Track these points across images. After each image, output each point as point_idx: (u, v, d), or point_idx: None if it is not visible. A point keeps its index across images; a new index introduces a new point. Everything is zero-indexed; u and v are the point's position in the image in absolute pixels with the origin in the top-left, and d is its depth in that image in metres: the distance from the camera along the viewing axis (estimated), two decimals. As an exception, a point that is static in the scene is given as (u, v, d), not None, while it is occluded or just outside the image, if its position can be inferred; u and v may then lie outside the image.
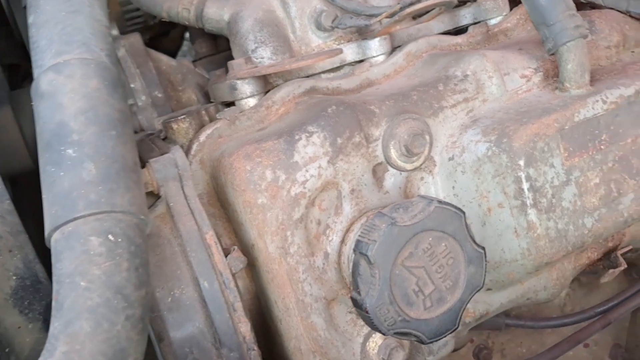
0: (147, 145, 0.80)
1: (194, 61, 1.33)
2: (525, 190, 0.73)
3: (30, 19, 0.73)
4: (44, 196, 0.62)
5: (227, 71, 1.19)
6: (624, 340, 1.37)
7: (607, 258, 0.90)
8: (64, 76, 0.66)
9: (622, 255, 0.91)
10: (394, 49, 0.96)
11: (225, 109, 0.86)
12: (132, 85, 1.16)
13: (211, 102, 1.11)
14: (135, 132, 1.16)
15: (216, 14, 1.02)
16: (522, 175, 0.73)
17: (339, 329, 0.77)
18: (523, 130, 0.74)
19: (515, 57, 0.85)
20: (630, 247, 0.90)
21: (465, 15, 1.04)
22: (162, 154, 0.76)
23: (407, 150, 0.76)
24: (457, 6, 1.09)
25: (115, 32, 1.22)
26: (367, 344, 0.77)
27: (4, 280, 0.83)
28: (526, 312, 1.23)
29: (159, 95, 1.17)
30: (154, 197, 0.71)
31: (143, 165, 0.72)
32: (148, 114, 1.14)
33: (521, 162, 0.73)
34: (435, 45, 0.94)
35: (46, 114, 0.65)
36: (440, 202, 0.67)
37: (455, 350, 1.17)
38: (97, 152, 0.62)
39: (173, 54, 1.73)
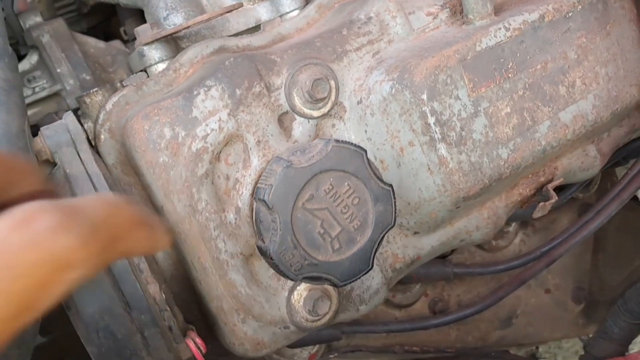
0: (50, 118, 0.79)
1: (126, 42, 1.31)
2: (432, 124, 0.72)
3: None
4: None
5: None
6: (586, 283, 1.36)
7: (539, 193, 0.89)
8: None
9: (556, 190, 0.89)
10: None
11: (132, 75, 0.85)
12: (58, 70, 1.14)
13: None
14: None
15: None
16: (427, 109, 0.72)
17: (262, 284, 0.76)
18: (423, 64, 0.72)
19: (422, -5, 0.83)
20: (561, 180, 0.88)
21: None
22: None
23: (310, 97, 0.74)
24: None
25: (38, 19, 1.20)
26: (292, 296, 0.76)
27: None
28: (480, 261, 1.23)
29: (87, 77, 1.15)
30: (50, 164, 0.70)
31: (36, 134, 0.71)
32: (76, 96, 1.12)
33: (424, 97, 0.72)
34: (352, -5, 0.92)
35: None
36: (338, 141, 0.66)
37: (409, 305, 1.17)
38: (-22, 121, 0.61)
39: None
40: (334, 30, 0.80)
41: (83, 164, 0.67)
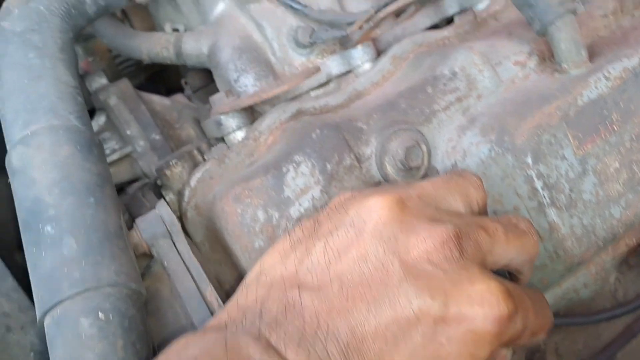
0: (138, 201, 0.78)
1: (189, 95, 1.31)
2: (539, 189, 0.68)
3: None
4: (31, 279, 0.60)
5: None
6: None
7: (645, 240, 0.83)
8: (33, 148, 0.64)
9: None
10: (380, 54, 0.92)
11: (213, 148, 0.83)
12: (127, 132, 1.14)
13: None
14: (137, 180, 1.15)
15: (195, 49, 0.99)
16: (533, 173, 0.68)
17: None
18: (524, 125, 0.68)
19: (505, 44, 0.79)
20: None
21: (451, 5, 0.98)
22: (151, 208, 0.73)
23: (403, 165, 0.71)
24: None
25: (103, 80, 1.21)
26: None
27: (23, 357, 0.82)
28: (577, 305, 1.17)
29: (157, 137, 1.15)
30: (147, 257, 0.68)
31: (132, 226, 0.70)
32: (148, 159, 1.12)
33: (528, 160, 0.68)
34: (421, 43, 0.89)
35: (21, 192, 0.63)
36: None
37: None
38: (76, 224, 0.60)
39: (176, 90, 1.72)
40: (417, 89, 0.77)
41: (181, 256, 0.66)
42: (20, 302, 0.80)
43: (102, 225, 0.61)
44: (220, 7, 0.99)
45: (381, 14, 0.82)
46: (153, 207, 0.75)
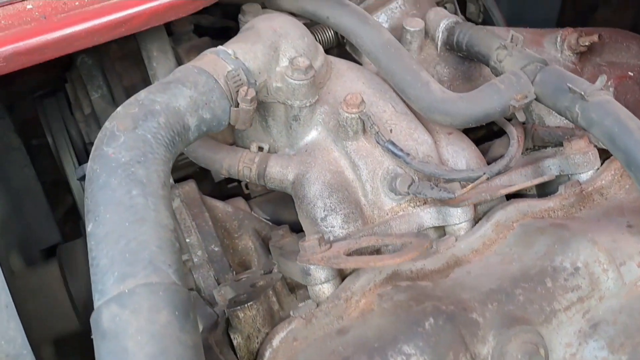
0: (214, 357, 0.71)
1: (248, 199, 1.26)
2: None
3: (90, 228, 0.65)
4: None
5: (290, 232, 1.11)
6: None
7: None
8: (130, 311, 0.58)
9: None
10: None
11: (300, 305, 0.77)
12: (187, 240, 1.08)
13: (272, 264, 1.03)
14: (190, 289, 1.08)
15: (280, 174, 0.95)
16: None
17: None
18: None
19: (628, 239, 0.74)
20: None
21: (550, 167, 0.95)
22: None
23: (520, 372, 0.64)
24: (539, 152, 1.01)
25: (170, 179, 1.16)
26: None
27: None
28: None
29: (216, 249, 1.08)
30: None
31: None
32: (204, 272, 1.06)
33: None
34: (526, 212, 0.84)
35: (109, 360, 0.56)
36: None
37: None
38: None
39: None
40: (535, 279, 0.71)
41: None
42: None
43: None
44: (312, 135, 0.95)
45: (495, 192, 0.78)
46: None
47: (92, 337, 0.59)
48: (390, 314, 0.69)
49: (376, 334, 0.67)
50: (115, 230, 0.63)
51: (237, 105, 0.83)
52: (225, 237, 1.14)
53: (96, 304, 0.60)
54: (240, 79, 0.83)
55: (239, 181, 1.43)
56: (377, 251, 0.82)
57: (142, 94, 0.76)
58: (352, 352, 0.66)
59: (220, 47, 0.86)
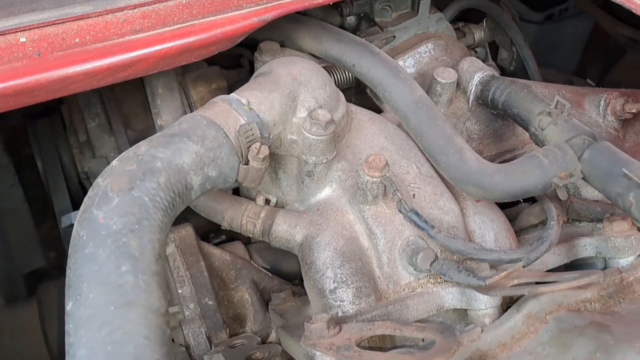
0: None
1: (247, 244, 1.17)
2: None
3: (69, 307, 0.57)
4: None
5: (293, 294, 1.02)
6: None
7: None
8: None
9: None
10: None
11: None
12: (179, 291, 0.99)
13: (269, 328, 0.94)
14: (179, 345, 0.99)
15: (287, 233, 0.86)
16: None
17: None
18: None
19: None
20: None
21: (586, 247, 0.86)
22: None
23: None
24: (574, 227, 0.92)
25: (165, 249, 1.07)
26: None
27: None
28: None
29: (210, 302, 0.99)
30: None
31: None
32: (195, 328, 0.97)
33: None
34: (561, 303, 0.76)
35: None
36: None
37: None
38: None
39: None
40: (574, 394, 0.62)
41: None
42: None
43: None
44: (326, 193, 0.86)
45: (535, 286, 0.69)
46: None
47: None
48: None
49: None
50: (98, 315, 0.54)
51: (247, 162, 0.74)
52: (221, 287, 1.05)
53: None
54: (253, 134, 0.74)
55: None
56: (391, 338, 0.73)
57: (143, 147, 0.67)
58: None
59: (233, 95, 0.77)
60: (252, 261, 1.11)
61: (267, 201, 0.90)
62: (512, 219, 0.93)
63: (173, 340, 1.00)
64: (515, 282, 0.75)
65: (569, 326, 0.71)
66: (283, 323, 0.83)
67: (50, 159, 1.17)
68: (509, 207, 0.97)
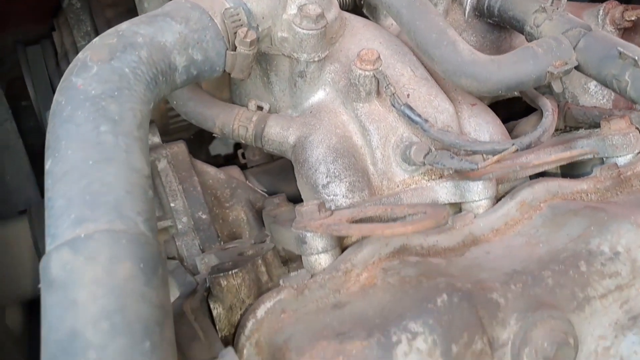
0: (188, 326, 0.61)
1: (244, 168, 1.16)
2: None
3: (48, 165, 0.56)
4: None
5: (288, 196, 1.01)
6: None
7: None
8: (84, 258, 0.48)
9: None
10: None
11: (292, 274, 0.67)
12: (172, 205, 0.98)
13: (265, 235, 0.93)
14: (172, 258, 0.98)
15: (279, 135, 0.85)
16: None
17: None
18: None
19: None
20: None
21: (584, 148, 0.85)
22: (208, 347, 0.56)
23: (547, 365, 0.54)
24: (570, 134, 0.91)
25: (156, 139, 1.06)
26: None
27: None
28: None
29: (203, 216, 0.98)
30: None
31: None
32: (189, 240, 0.96)
33: None
34: (555, 192, 0.74)
35: (54, 315, 0.46)
36: None
37: None
38: (122, 380, 0.43)
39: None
40: (567, 262, 0.61)
41: None
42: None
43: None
44: (319, 96, 0.85)
45: (526, 164, 0.67)
46: (208, 342, 0.58)
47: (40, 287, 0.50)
48: (395, 289, 0.59)
49: (378, 310, 0.57)
50: (76, 168, 0.53)
51: (235, 48, 0.73)
52: (215, 205, 1.03)
53: (47, 251, 0.50)
54: (239, 19, 0.72)
55: (236, 156, 1.33)
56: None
57: (124, 25, 0.66)
58: (348, 328, 0.56)
59: (219, -18, 0.76)
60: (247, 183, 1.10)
61: (260, 108, 0.89)
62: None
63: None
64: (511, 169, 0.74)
65: (563, 210, 0.69)
66: (275, 220, 0.82)
67: (42, 86, 1.16)
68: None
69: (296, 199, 0.89)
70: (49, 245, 0.50)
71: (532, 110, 0.94)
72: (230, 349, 0.54)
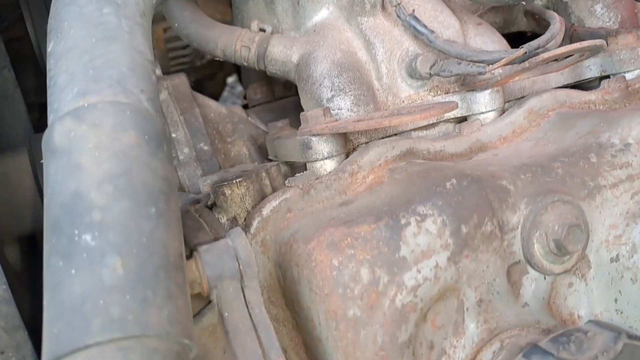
0: (193, 219, 0.60)
1: (245, 108, 1.15)
2: None
3: (50, 47, 0.54)
4: (45, 304, 0.42)
5: (292, 124, 1.00)
6: None
7: None
8: (88, 125, 0.47)
9: None
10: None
11: (297, 175, 0.66)
12: (173, 135, 0.97)
13: (269, 160, 0.92)
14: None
15: (282, 54, 0.83)
16: None
17: None
18: None
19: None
20: None
21: (590, 67, 0.83)
22: (215, 236, 0.55)
23: (558, 247, 0.54)
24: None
25: (158, 71, 1.04)
26: None
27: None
28: None
29: (205, 147, 0.97)
30: (201, 300, 0.50)
31: (189, 254, 0.51)
32: (191, 170, 0.94)
33: None
34: (563, 101, 0.73)
35: (58, 179, 0.45)
36: (630, 336, 0.45)
37: None
38: (128, 240, 0.42)
39: (217, 99, 1.56)
40: (577, 154, 0.60)
41: (248, 310, 0.47)
42: (10, 319, 0.61)
43: (160, 249, 0.43)
44: (322, 14, 0.83)
45: (533, 59, 0.66)
46: (214, 233, 0.57)
47: (42, 161, 0.49)
48: (404, 182, 0.58)
49: (386, 201, 0.56)
50: (79, 46, 0.52)
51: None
52: (217, 139, 1.02)
53: (50, 124, 0.49)
54: None
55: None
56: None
57: None
58: (356, 217, 0.55)
59: None
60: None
61: (262, 30, 0.88)
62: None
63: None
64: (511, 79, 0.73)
65: (572, 114, 0.68)
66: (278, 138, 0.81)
67: (43, 23, 1.14)
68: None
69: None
70: (51, 118, 0.49)
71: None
72: (238, 228, 0.53)
